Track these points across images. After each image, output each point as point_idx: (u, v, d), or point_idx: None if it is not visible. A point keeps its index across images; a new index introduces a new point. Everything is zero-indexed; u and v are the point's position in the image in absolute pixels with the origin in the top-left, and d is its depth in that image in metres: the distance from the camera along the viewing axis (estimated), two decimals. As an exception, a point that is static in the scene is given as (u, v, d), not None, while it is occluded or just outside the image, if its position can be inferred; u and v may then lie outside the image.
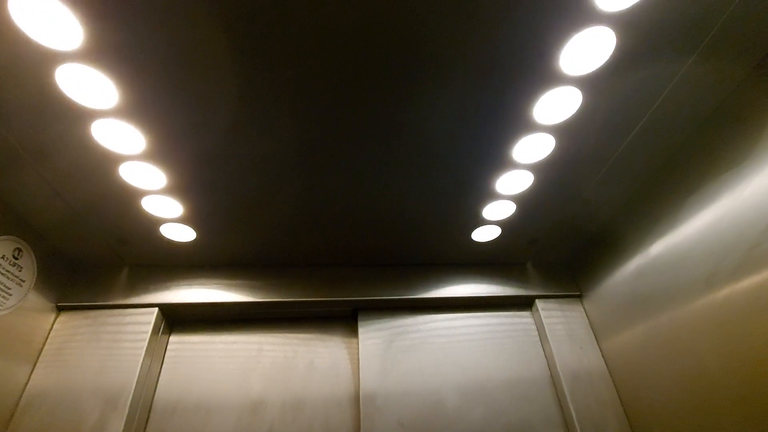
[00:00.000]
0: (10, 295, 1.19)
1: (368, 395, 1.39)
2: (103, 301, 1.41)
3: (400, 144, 1.09)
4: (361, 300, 1.55)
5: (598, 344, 1.58)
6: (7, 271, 1.18)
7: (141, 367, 1.30)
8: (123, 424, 1.18)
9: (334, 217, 1.36)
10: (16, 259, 1.22)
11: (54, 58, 0.81)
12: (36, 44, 0.78)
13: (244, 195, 1.22)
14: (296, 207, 1.30)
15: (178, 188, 1.16)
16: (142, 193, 1.16)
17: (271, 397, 1.42)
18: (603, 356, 1.54)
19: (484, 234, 1.50)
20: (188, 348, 1.52)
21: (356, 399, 1.43)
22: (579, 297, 1.71)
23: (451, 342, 1.57)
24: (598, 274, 1.60)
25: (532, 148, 1.11)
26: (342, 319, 1.61)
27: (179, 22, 0.78)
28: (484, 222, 1.43)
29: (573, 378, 1.48)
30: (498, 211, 1.37)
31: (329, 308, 1.57)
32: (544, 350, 1.60)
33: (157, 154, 1.04)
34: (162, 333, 1.47)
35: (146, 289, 1.46)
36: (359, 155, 1.12)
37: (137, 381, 1.27)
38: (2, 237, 1.17)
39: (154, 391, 1.39)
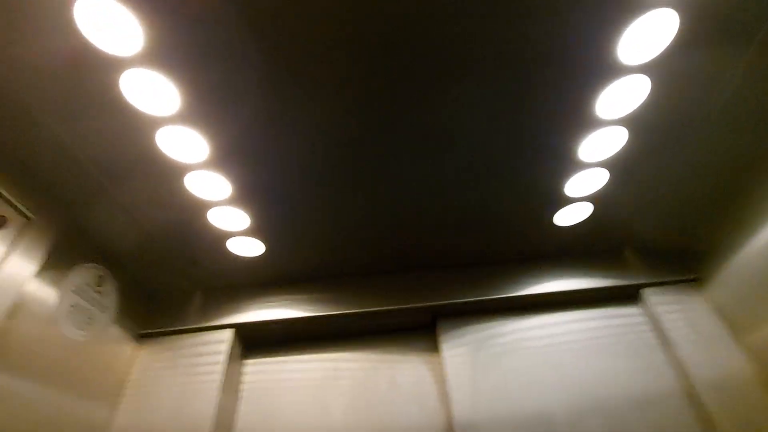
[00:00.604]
0: (95, 321, 1.21)
1: (462, 423, 1.21)
2: (180, 326, 1.41)
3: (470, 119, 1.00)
4: (441, 305, 1.41)
5: (734, 341, 1.28)
6: (92, 297, 1.20)
7: (218, 397, 1.24)
8: None
9: (408, 218, 1.27)
10: (99, 286, 1.24)
11: (118, 65, 0.82)
12: (103, 53, 0.79)
13: (314, 201, 1.18)
14: (369, 211, 1.23)
15: (243, 197, 1.14)
16: (209, 205, 1.15)
17: (353, 423, 1.30)
18: (746, 356, 1.24)
19: (569, 215, 1.32)
20: (264, 371, 1.45)
21: (448, 425, 1.25)
22: (696, 282, 1.43)
23: (548, 347, 1.36)
24: (722, 252, 1.33)
25: (622, 97, 0.95)
26: (422, 328, 1.47)
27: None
28: (570, 200, 1.26)
29: (715, 388, 1.17)
30: (586, 183, 1.19)
31: (407, 317, 1.44)
32: (665, 351, 1.32)
33: (221, 161, 1.03)
34: (237, 357, 1.42)
35: (219, 310, 1.44)
36: (428, 155, 1.05)
37: (216, 413, 1.21)
38: (86, 265, 1.20)
39: (233, 420, 1.32)
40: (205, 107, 0.90)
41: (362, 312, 1.40)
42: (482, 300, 1.40)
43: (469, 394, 1.26)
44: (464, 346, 1.37)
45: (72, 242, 1.14)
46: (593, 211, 1.31)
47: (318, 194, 1.16)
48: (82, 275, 1.18)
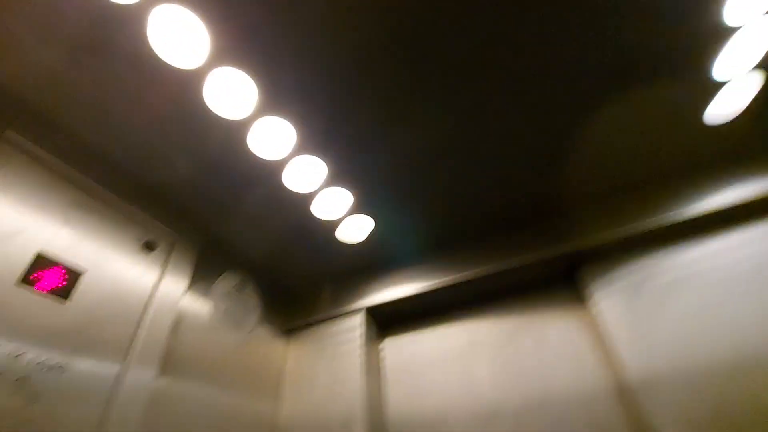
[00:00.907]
0: (246, 322, 1.34)
1: (635, 382, 1.03)
2: (317, 316, 1.49)
3: None
4: (583, 250, 1.21)
5: None
6: (238, 301, 1.34)
7: (363, 379, 1.27)
8: None
9: (536, 154, 1.12)
10: (241, 290, 1.37)
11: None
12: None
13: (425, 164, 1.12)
14: (491, 159, 1.12)
15: (343, 176, 1.13)
16: (311, 197, 1.17)
17: (503, 391, 1.21)
18: None
19: (728, 103, 1.03)
20: (401, 349, 1.45)
21: (616, 384, 1.09)
22: None
23: (728, 276, 1.07)
24: None
25: None
26: (562, 280, 1.30)
27: None
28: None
29: None
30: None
31: (544, 269, 1.29)
32: None
33: (315, 145, 1.03)
34: (373, 338, 1.45)
35: (349, 296, 1.49)
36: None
37: (364, 394, 1.24)
38: (228, 273, 1.33)
39: (382, 400, 1.34)
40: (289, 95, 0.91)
41: (492, 272, 1.29)
42: (631, 234, 1.17)
43: (636, 347, 1.06)
44: (618, 292, 1.17)
45: (211, 256, 1.28)
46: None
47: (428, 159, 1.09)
48: (227, 283, 1.32)
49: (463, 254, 1.37)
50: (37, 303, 0.79)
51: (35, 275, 0.80)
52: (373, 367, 1.38)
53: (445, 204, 1.26)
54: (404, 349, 1.45)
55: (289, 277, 1.54)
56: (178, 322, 1.07)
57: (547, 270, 1.29)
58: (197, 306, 1.18)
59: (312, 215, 1.22)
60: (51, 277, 0.82)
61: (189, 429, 1.02)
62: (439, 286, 1.35)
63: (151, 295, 1.01)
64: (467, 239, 1.38)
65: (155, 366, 0.95)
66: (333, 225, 1.28)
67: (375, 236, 1.35)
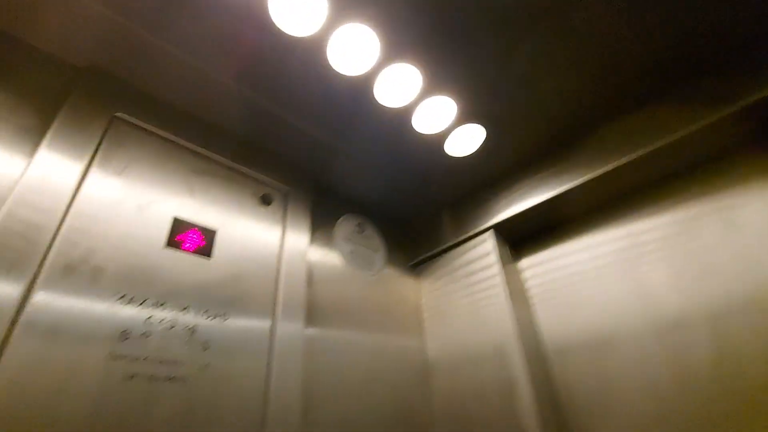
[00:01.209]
0: (373, 261, 1.32)
1: None
2: (443, 245, 1.40)
3: None
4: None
5: None
6: (361, 243, 1.32)
7: (509, 304, 1.16)
8: (525, 371, 1.05)
9: None
10: (362, 232, 1.35)
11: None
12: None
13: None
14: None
15: (442, 82, 0.98)
16: (410, 110, 1.04)
17: (689, 296, 0.98)
18: None
19: None
20: (546, 266, 1.29)
21: None
22: None
23: None
24: None
25: None
26: (758, 138, 0.97)
27: None
28: None
29: None
30: None
31: (729, 129, 0.97)
32: None
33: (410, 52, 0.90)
34: (509, 259, 1.31)
35: (472, 218, 1.36)
36: None
37: (514, 321, 1.13)
38: (345, 216, 1.32)
39: (535, 325, 1.22)
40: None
41: (651, 151, 1.02)
42: None
43: None
44: None
45: (325, 203, 1.27)
46: None
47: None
48: (346, 226, 1.30)
49: (607, 138, 1.11)
50: (186, 262, 0.84)
51: (178, 238, 0.85)
52: (518, 290, 1.25)
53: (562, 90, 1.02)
54: (548, 265, 1.29)
55: (405, 211, 1.48)
56: (310, 274, 1.08)
57: (733, 130, 0.97)
58: (323, 254, 1.18)
59: (415, 132, 1.10)
60: (191, 238, 0.87)
61: (347, 373, 1.04)
62: (581, 182, 1.13)
63: (281, 249, 1.03)
64: (611, 117, 1.11)
65: (301, 318, 0.97)
66: (440, 139, 1.14)
67: (489, 144, 1.18)
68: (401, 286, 1.38)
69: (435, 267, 1.43)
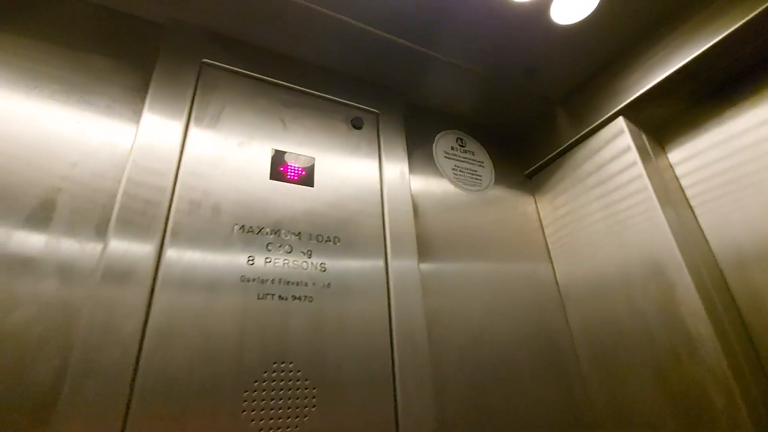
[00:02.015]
0: (481, 175, 1.21)
1: None
2: (561, 145, 1.21)
3: None
4: None
5: None
6: (463, 159, 1.21)
7: (661, 214, 0.94)
8: (693, 291, 0.86)
9: None
10: (463, 146, 1.24)
11: None
12: None
13: None
14: None
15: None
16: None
17: None
18: None
19: None
20: (709, 157, 1.01)
21: None
22: None
23: None
24: None
25: None
26: None
27: None
28: None
29: None
30: None
31: None
32: None
33: None
34: (648, 151, 1.06)
35: (591, 108, 1.14)
36: None
37: (675, 235, 0.92)
38: (442, 132, 1.22)
39: (700, 234, 0.99)
40: None
41: None
42: None
43: None
44: None
45: (418, 122, 1.18)
46: None
47: None
48: (445, 143, 1.20)
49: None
50: (292, 191, 0.86)
51: (281, 169, 0.86)
52: (671, 192, 1.02)
53: None
54: (710, 155, 1.01)
55: (510, 116, 1.31)
56: (415, 203, 1.02)
57: None
58: (424, 179, 1.11)
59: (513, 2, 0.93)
60: (292, 168, 0.88)
61: (473, 305, 0.99)
62: (744, 23, 0.84)
63: (380, 171, 0.99)
64: None
65: (413, 253, 0.92)
66: (540, 7, 0.94)
67: (605, 6, 0.94)
68: (516, 203, 1.25)
69: (555, 177, 1.25)
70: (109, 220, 0.69)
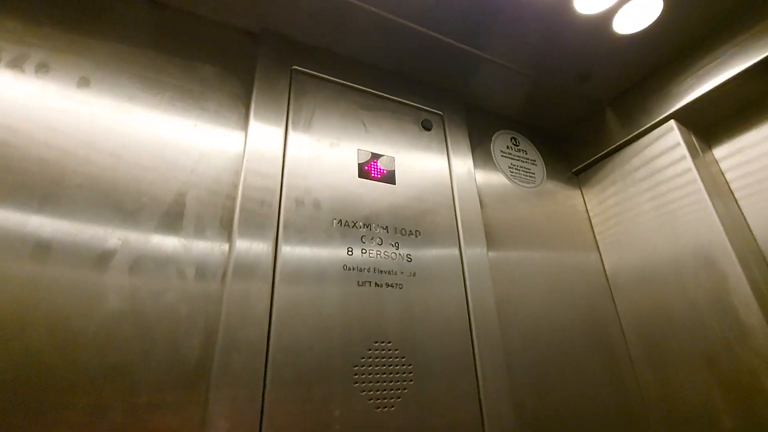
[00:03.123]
0: (533, 174, 1.29)
1: None
2: (610, 145, 1.28)
3: None
4: None
5: None
6: (518, 157, 1.29)
7: (711, 209, 1.01)
8: (742, 277, 0.93)
9: None
10: (517, 145, 1.31)
11: None
12: None
13: None
14: None
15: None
16: (571, -7, 0.94)
17: None
18: None
19: None
20: (752, 156, 1.08)
21: None
22: None
23: None
24: None
25: None
26: None
27: None
28: None
29: None
30: None
31: None
32: None
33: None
34: (698, 152, 1.13)
35: (643, 110, 1.20)
36: None
37: (723, 227, 0.99)
38: (498, 132, 1.29)
39: (745, 225, 1.06)
40: None
41: None
42: None
43: None
44: None
45: (477, 122, 1.25)
46: None
47: None
48: (501, 142, 1.28)
49: None
50: (378, 188, 0.94)
51: (366, 168, 0.95)
52: (717, 185, 1.09)
53: None
54: (751, 152, 1.08)
55: (561, 117, 1.38)
56: (480, 196, 1.10)
57: None
58: (486, 175, 1.19)
59: (574, 13, 0.99)
60: (375, 167, 0.96)
61: (532, 293, 1.08)
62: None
63: (450, 170, 1.07)
64: None
65: (483, 241, 1.01)
66: (606, 17, 1.01)
67: (665, 17, 1.00)
68: (565, 197, 1.33)
69: (602, 172, 1.32)
70: (230, 220, 0.78)
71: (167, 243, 0.73)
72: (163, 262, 0.72)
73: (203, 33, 0.95)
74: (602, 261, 1.26)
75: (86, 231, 0.68)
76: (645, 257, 1.15)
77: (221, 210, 0.80)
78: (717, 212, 1.01)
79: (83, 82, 0.78)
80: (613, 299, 1.21)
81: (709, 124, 1.16)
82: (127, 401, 0.62)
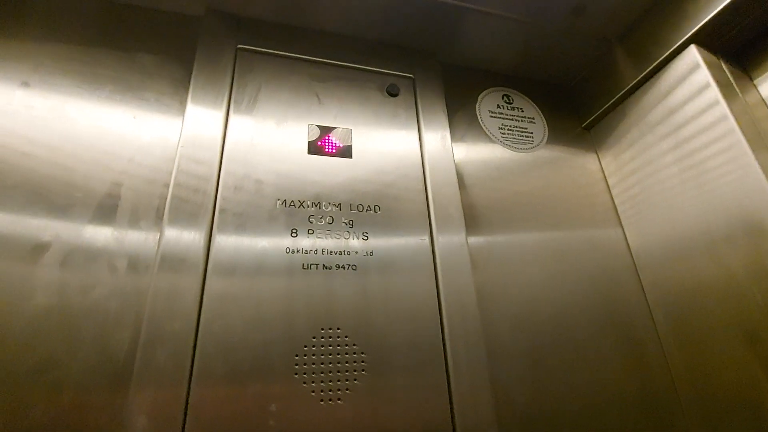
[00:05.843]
0: (531, 133, 1.13)
1: None
2: (622, 87, 1.08)
3: None
4: None
5: None
6: (511, 116, 1.14)
7: (753, 160, 0.80)
8: None
9: None
10: (510, 103, 1.16)
11: None
12: None
13: None
14: None
15: None
16: None
17: None
18: None
19: None
20: None
21: None
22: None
23: None
24: None
25: None
26: None
27: None
28: None
29: None
30: None
31: None
32: None
33: None
34: (731, 84, 0.91)
35: (658, 38, 1.00)
36: None
37: None
38: (486, 91, 1.15)
39: None
40: None
41: None
42: None
43: None
44: None
45: (458, 83, 1.12)
46: None
47: None
48: (489, 101, 1.14)
49: None
50: (331, 164, 0.86)
51: (319, 144, 0.87)
52: (764, 132, 0.86)
53: None
54: None
55: (562, 63, 1.19)
56: (460, 172, 0.98)
57: None
58: (469, 144, 1.05)
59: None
60: (329, 142, 0.88)
61: (528, 277, 0.94)
62: None
63: (420, 138, 0.96)
64: None
65: (461, 227, 0.88)
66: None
67: None
68: (575, 161, 1.14)
69: (619, 128, 1.11)
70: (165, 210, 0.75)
71: (100, 235, 0.71)
72: (95, 256, 0.70)
73: (143, 22, 0.93)
74: (624, 233, 1.07)
75: (20, 224, 0.68)
76: (674, 226, 0.95)
77: (158, 200, 0.77)
78: (762, 167, 0.79)
79: (24, 86, 0.79)
80: (638, 275, 1.02)
81: (746, 45, 0.94)
82: (51, 400, 0.60)
